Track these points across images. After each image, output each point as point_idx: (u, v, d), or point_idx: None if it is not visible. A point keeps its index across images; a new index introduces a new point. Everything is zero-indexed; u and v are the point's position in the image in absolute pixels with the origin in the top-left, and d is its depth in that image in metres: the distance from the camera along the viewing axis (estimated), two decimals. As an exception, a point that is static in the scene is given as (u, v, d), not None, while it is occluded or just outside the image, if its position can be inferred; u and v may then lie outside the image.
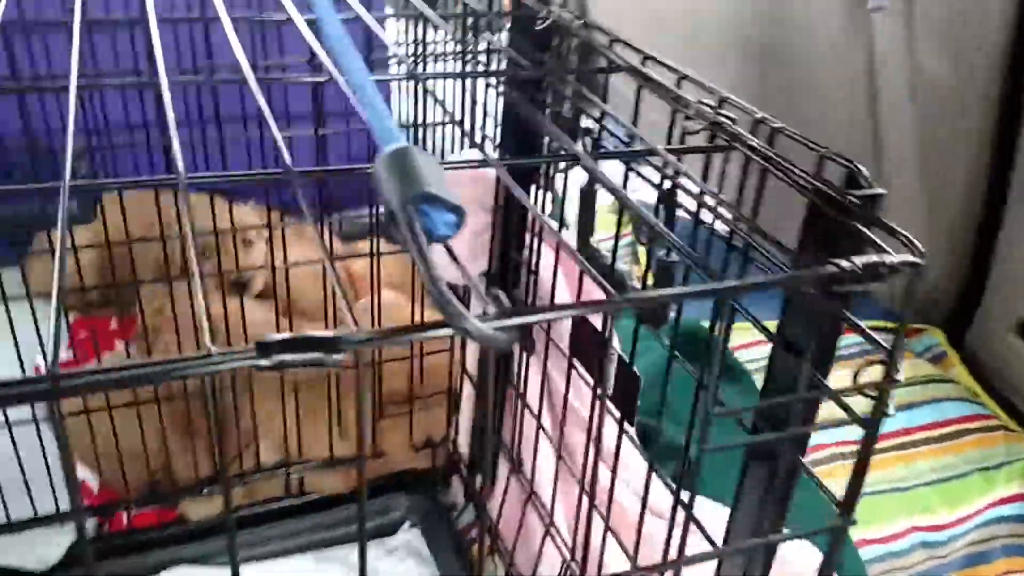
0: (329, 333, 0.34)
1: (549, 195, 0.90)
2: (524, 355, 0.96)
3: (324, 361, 0.33)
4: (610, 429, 0.87)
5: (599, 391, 0.78)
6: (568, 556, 0.87)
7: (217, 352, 0.33)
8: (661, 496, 0.74)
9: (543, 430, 0.93)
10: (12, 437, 0.98)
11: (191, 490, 1.07)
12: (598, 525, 0.84)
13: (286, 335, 0.34)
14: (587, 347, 0.80)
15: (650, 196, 0.67)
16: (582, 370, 0.84)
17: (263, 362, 0.33)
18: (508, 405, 1.02)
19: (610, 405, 0.79)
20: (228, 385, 1.03)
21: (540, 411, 0.94)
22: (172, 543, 1.05)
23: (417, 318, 1.12)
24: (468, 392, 1.09)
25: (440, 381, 1.12)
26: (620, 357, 0.74)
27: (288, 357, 0.33)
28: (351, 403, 1.10)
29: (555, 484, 0.89)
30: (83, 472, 1.13)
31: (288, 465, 1.10)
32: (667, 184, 0.65)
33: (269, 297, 1.27)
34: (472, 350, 1.05)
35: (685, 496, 0.67)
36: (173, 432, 1.03)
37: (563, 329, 0.87)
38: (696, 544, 0.69)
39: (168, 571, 1.01)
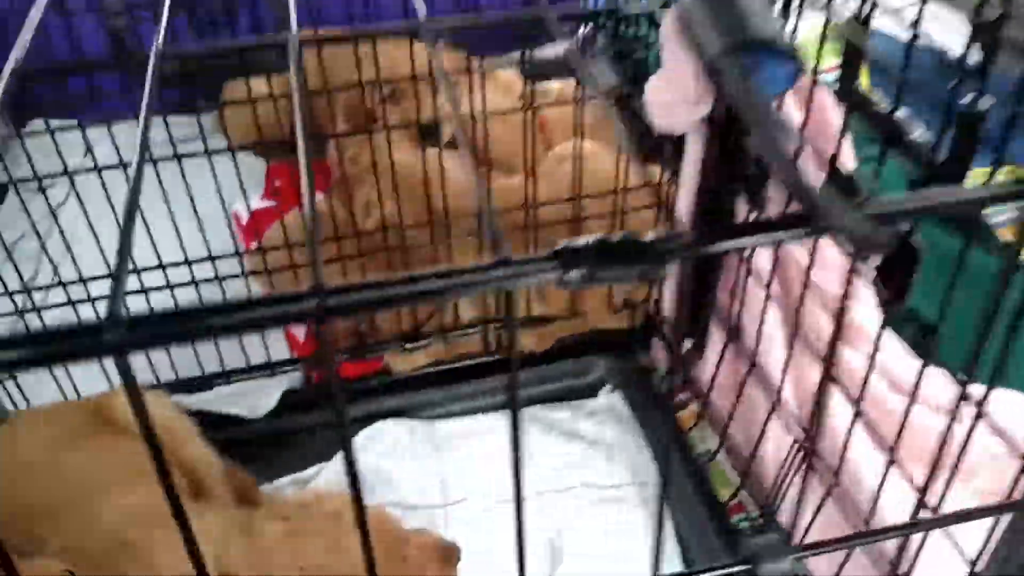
0: (647, 236, 0.26)
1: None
2: (750, 210, 0.85)
3: (647, 274, 0.26)
4: (864, 305, 0.76)
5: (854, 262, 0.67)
6: (799, 437, 0.80)
7: (513, 263, 0.25)
8: (929, 384, 0.64)
9: (772, 299, 0.83)
10: (222, 288, 0.99)
11: (396, 343, 1.06)
12: (838, 409, 0.76)
13: (590, 239, 0.26)
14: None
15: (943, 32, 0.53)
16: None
17: (570, 275, 0.25)
18: (726, 266, 0.93)
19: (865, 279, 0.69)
20: (427, 241, 0.99)
21: (760, 277, 0.84)
22: (378, 395, 1.06)
23: (617, 170, 1.02)
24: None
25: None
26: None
27: (600, 271, 0.25)
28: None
29: (786, 360, 0.81)
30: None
31: (486, 322, 1.07)
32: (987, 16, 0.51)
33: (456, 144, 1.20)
34: (685, 203, 0.95)
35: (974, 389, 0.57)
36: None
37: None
38: (984, 441, 0.59)
39: (375, 423, 1.02)
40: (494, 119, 1.04)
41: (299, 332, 1.16)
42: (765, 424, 0.85)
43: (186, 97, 1.05)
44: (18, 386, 0.95)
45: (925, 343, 0.70)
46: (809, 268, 0.74)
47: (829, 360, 0.67)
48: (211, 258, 0.95)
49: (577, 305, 1.07)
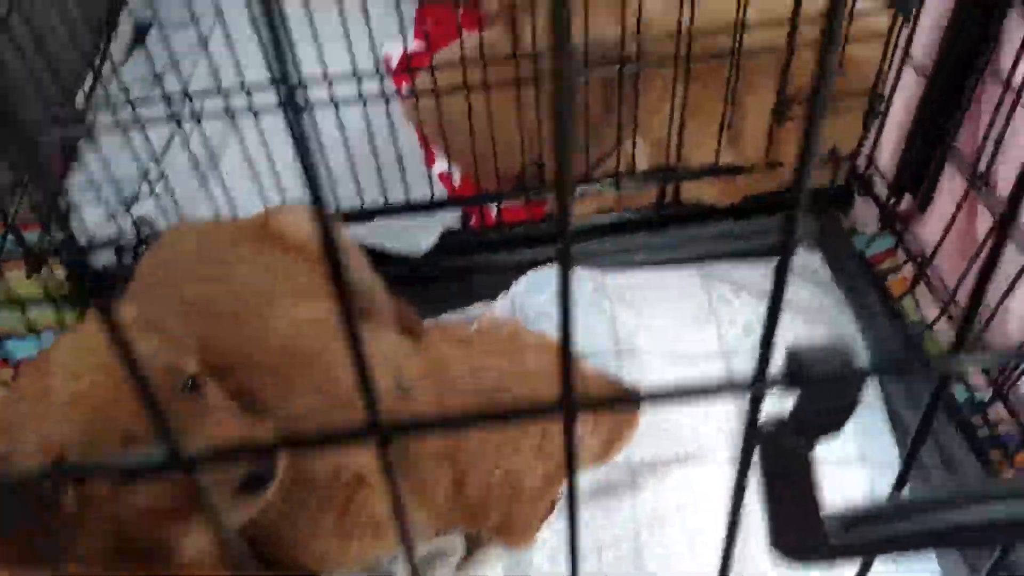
0: None
1: None
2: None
3: None
4: None
5: None
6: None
7: None
8: None
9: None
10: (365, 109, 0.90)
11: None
12: None
13: None
14: None
15: None
16: None
17: None
18: (977, 103, 0.79)
19: None
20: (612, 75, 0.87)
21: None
22: (541, 242, 0.98)
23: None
24: (907, 90, 0.85)
25: (863, 78, 0.90)
26: None
27: None
28: (750, 101, 0.91)
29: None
30: (446, 165, 1.07)
31: (666, 170, 0.96)
32: None
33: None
34: (927, 29, 0.81)
35: None
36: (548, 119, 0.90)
37: None
38: None
39: (541, 268, 0.94)
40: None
41: (455, 175, 1.08)
42: (1014, 282, 0.72)
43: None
44: (175, 202, 0.90)
45: None
46: None
47: None
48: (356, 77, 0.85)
49: (774, 155, 0.94)
